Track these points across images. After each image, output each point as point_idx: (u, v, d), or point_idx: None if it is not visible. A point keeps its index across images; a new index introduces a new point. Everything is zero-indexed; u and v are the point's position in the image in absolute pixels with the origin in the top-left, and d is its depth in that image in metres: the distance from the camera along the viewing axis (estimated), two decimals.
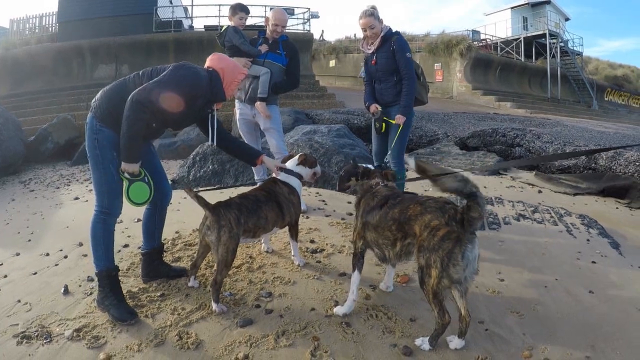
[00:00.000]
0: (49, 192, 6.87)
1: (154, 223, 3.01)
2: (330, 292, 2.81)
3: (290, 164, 3.23)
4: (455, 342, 2.23)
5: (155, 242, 3.03)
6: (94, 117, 2.67)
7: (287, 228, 3.18)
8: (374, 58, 4.11)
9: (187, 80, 2.67)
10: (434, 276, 2.10)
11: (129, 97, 2.50)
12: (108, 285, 2.65)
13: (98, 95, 2.74)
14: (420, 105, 4.22)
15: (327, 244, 3.59)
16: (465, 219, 2.05)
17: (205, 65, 2.93)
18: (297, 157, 3.27)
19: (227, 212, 2.63)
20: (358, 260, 2.61)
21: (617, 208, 5.22)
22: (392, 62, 3.98)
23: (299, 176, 3.20)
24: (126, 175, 2.65)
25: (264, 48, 4.31)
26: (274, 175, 3.21)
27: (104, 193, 2.68)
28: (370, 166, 2.96)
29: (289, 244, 3.38)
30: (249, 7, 4.65)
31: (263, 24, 17.45)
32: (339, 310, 2.54)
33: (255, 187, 3.19)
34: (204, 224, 2.68)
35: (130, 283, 2.98)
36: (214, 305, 2.58)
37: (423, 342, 2.24)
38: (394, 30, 4.08)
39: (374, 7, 4.01)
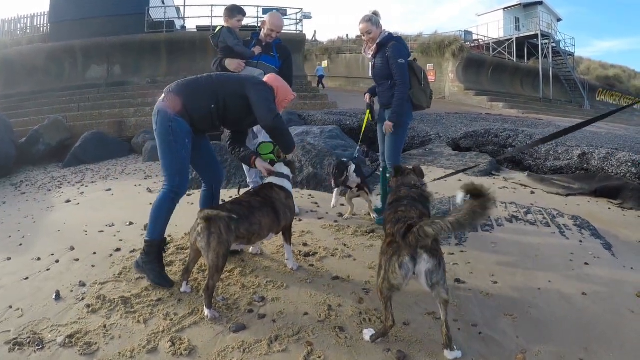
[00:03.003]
0: (41, 195, 6.82)
1: (210, 203, 3.27)
2: (324, 296, 2.80)
3: (279, 167, 3.25)
4: (446, 353, 2.21)
5: None
6: (168, 108, 2.93)
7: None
8: (373, 62, 4.21)
9: (270, 95, 3.09)
10: (380, 276, 2.24)
11: (265, 121, 2.96)
12: (155, 253, 3.00)
13: (173, 87, 3.01)
14: (420, 110, 4.26)
15: (319, 247, 3.59)
16: (410, 235, 2.12)
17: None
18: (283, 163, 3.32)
19: (218, 218, 2.62)
20: None
21: (609, 209, 5.24)
22: (387, 68, 4.03)
23: (289, 178, 3.25)
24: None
25: (257, 50, 4.30)
26: (268, 179, 3.22)
27: (175, 174, 2.96)
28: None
29: (282, 247, 3.39)
30: (243, 8, 4.65)
31: (254, 24, 17.43)
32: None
33: (250, 192, 3.22)
34: (194, 229, 2.68)
35: (123, 288, 2.95)
36: (206, 311, 2.57)
37: (368, 332, 2.35)
38: (395, 36, 4.10)
39: (375, 13, 4.09)
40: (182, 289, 2.87)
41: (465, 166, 7.07)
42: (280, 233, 3.18)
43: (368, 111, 4.56)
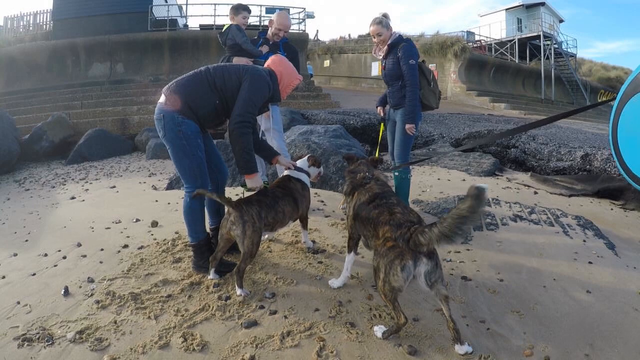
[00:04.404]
0: (45, 192, 6.82)
1: (215, 201, 3.23)
2: (334, 292, 2.83)
3: (300, 163, 3.55)
4: (456, 348, 2.24)
5: (220, 218, 3.25)
6: (173, 110, 2.88)
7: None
8: (384, 64, 4.26)
9: (264, 91, 3.03)
10: (380, 279, 2.28)
11: (232, 120, 2.87)
12: (207, 252, 3.10)
13: (173, 86, 2.95)
14: (429, 110, 4.32)
15: (327, 245, 3.62)
16: (411, 240, 2.20)
17: (266, 65, 3.26)
18: (306, 158, 3.64)
19: (249, 208, 2.83)
20: (355, 243, 2.88)
21: (611, 209, 5.26)
22: (398, 69, 4.09)
23: (307, 174, 3.49)
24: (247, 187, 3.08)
25: (264, 49, 4.34)
26: (286, 172, 3.45)
27: (196, 176, 2.99)
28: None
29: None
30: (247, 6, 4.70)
31: (257, 23, 17.36)
32: (333, 283, 2.89)
33: (272, 183, 3.43)
34: (227, 220, 2.84)
35: (132, 284, 2.98)
36: (238, 290, 2.77)
37: (379, 330, 2.38)
38: (404, 37, 4.16)
39: (385, 15, 4.15)
40: (209, 277, 3.00)
41: (468, 166, 7.09)
42: (299, 221, 3.48)
43: (382, 124, 4.63)
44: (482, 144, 8.19)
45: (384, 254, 2.28)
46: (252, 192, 3.12)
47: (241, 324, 2.47)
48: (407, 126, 4.09)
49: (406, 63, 4.00)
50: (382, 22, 4.10)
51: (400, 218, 2.38)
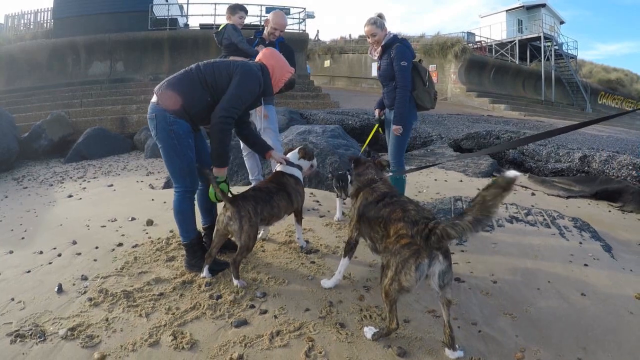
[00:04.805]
0: (43, 190, 6.84)
1: (208, 200, 3.27)
2: (325, 292, 2.82)
3: (291, 156, 3.54)
4: (448, 352, 2.23)
5: (212, 217, 3.32)
6: (165, 110, 2.89)
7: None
8: (379, 64, 4.25)
9: (254, 87, 3.02)
10: (388, 277, 2.20)
11: (216, 113, 2.85)
12: (200, 250, 3.12)
13: (164, 85, 2.94)
14: (424, 110, 4.31)
15: (321, 245, 3.61)
16: (432, 237, 2.07)
17: (257, 58, 3.25)
18: (296, 150, 3.62)
19: (245, 203, 2.87)
20: (351, 248, 2.85)
21: (609, 211, 5.25)
22: (391, 69, 4.08)
23: (299, 167, 3.48)
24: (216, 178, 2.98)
25: (260, 48, 4.32)
26: (278, 167, 3.45)
27: (186, 175, 3.01)
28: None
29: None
30: (246, 6, 4.70)
31: (257, 23, 17.39)
32: (325, 283, 2.89)
33: (265, 179, 3.45)
34: (223, 215, 2.88)
35: (125, 282, 2.98)
36: (235, 281, 2.85)
37: (369, 331, 2.35)
38: (400, 37, 4.14)
39: (380, 16, 4.13)
40: (202, 275, 2.99)
41: (466, 167, 7.08)
42: (293, 215, 3.51)
43: (377, 125, 4.62)
44: (508, 148, 8.06)
45: (397, 251, 2.19)
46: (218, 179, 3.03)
47: (231, 323, 2.46)
48: (394, 127, 4.10)
49: (397, 64, 3.99)
50: (377, 22, 4.08)
51: (415, 215, 2.28)
